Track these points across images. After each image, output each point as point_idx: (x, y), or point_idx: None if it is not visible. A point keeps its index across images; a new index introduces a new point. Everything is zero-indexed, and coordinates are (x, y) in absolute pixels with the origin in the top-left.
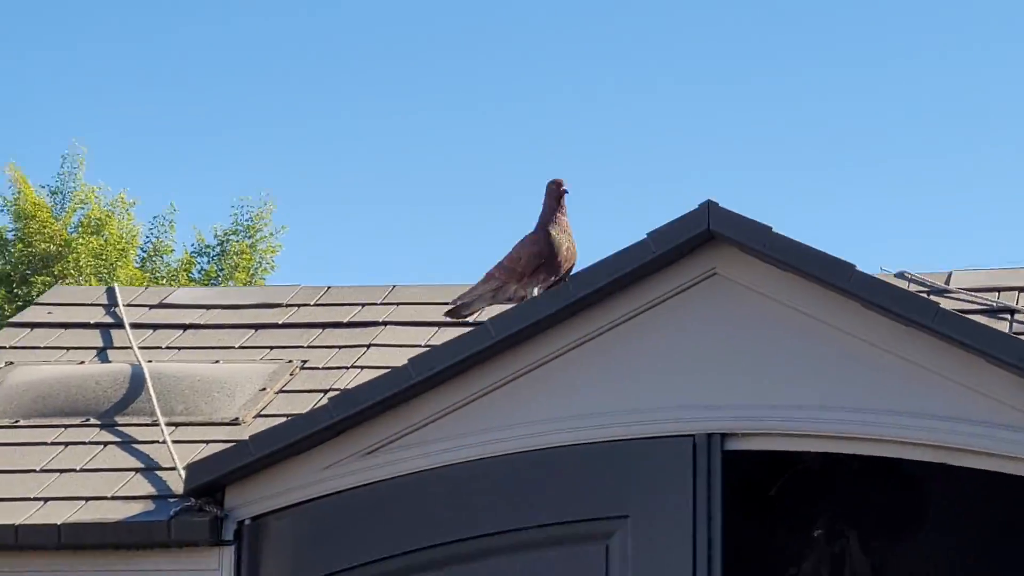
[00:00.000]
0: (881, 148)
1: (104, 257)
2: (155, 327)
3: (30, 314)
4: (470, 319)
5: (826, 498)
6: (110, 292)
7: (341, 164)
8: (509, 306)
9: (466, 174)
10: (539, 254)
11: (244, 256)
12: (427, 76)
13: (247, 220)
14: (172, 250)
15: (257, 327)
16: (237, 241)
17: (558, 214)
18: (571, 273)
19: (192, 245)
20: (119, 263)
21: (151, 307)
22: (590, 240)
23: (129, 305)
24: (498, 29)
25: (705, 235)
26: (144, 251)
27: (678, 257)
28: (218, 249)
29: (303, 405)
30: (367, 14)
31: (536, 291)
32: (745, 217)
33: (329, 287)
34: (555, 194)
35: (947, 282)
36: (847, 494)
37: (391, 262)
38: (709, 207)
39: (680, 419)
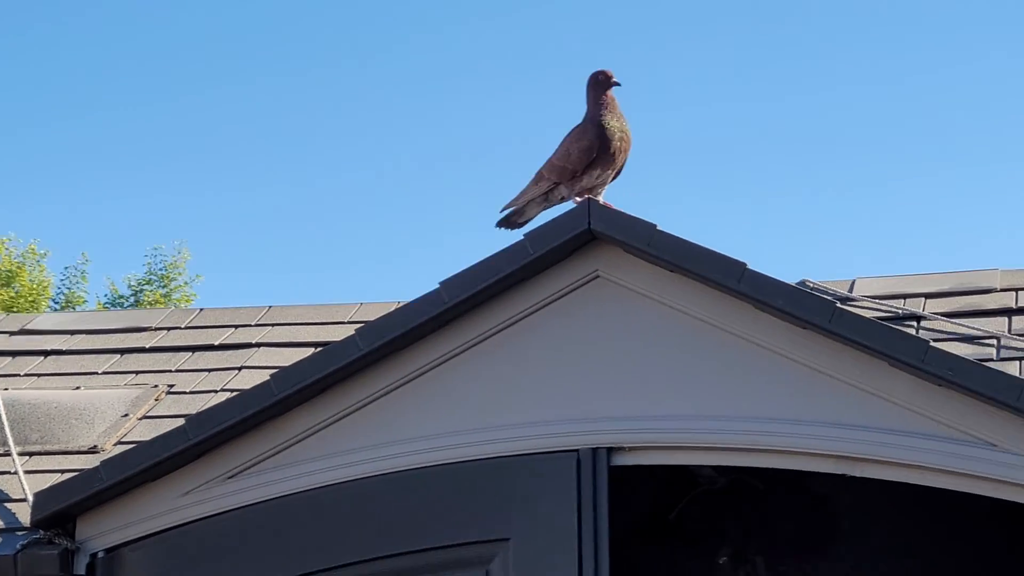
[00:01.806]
0: (781, 153)
1: (15, 309)
2: (14, 354)
3: None
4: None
5: (731, 521)
6: None
7: (255, 209)
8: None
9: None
10: (590, 147)
11: (159, 306)
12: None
13: (161, 269)
14: (85, 300)
15: (122, 352)
16: (151, 291)
17: (608, 102)
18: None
19: (105, 295)
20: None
21: (11, 334)
22: (468, 246)
23: None
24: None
25: (586, 235)
26: (56, 302)
27: (558, 259)
28: (132, 299)
29: (167, 430)
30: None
31: (575, 197)
32: (628, 215)
33: (201, 309)
34: (604, 85)
35: (850, 290)
36: (753, 517)
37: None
38: (589, 204)
39: (563, 433)
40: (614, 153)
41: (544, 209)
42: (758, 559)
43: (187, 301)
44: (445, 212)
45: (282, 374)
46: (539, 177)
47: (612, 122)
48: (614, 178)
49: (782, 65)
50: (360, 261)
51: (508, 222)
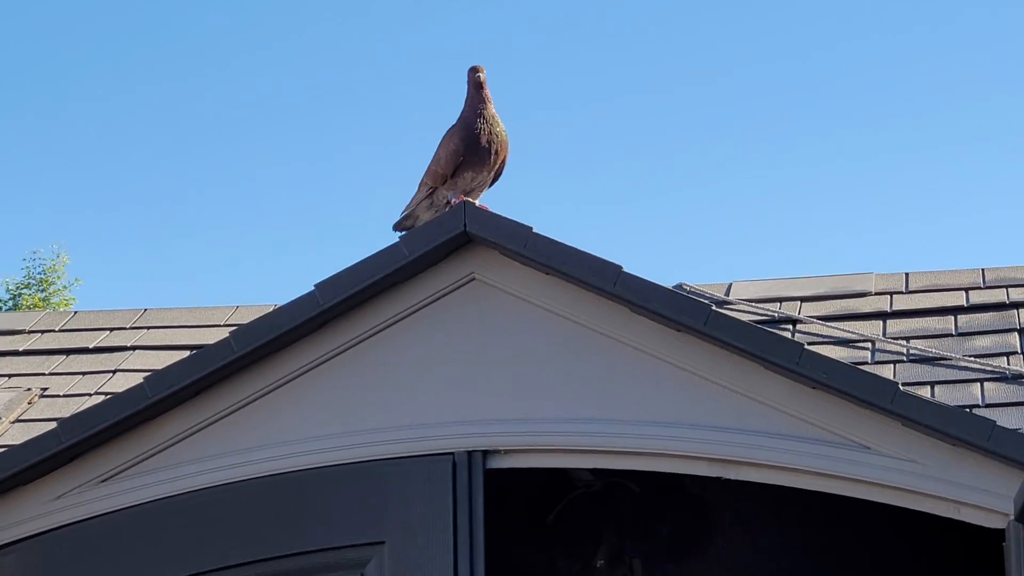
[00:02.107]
0: (659, 157)
1: None
2: None
3: None
4: None
5: (609, 524)
6: None
7: (134, 213)
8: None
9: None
10: (456, 151)
11: (37, 310)
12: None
13: (40, 273)
14: None
15: None
16: (30, 295)
17: (480, 104)
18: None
19: None
20: None
21: None
22: (349, 250)
23: None
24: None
25: (461, 237)
26: None
27: (433, 261)
28: (10, 303)
29: (40, 434)
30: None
31: (454, 199)
32: (504, 217)
33: (76, 312)
34: (472, 82)
35: (727, 293)
36: (630, 519)
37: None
38: (465, 207)
39: (438, 436)
40: (483, 156)
41: (436, 213)
42: (635, 561)
43: (66, 305)
44: (324, 215)
45: (156, 377)
46: (421, 183)
47: (482, 125)
48: (493, 181)
49: (653, 63)
50: (238, 265)
51: (403, 226)
